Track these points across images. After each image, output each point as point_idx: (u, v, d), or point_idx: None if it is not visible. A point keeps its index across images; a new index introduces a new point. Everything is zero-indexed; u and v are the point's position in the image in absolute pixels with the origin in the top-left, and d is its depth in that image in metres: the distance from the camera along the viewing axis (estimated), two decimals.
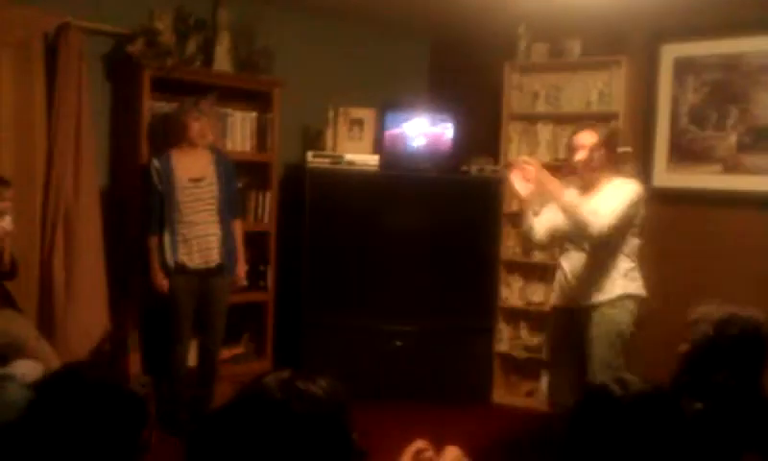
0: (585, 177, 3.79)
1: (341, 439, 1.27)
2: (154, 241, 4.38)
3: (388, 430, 4.63)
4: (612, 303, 3.72)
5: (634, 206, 3.68)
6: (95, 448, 1.59)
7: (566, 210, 3.64)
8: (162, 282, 4.38)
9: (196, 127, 4.40)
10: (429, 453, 3.62)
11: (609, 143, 3.80)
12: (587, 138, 3.77)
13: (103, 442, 1.61)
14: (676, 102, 5.02)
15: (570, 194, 3.76)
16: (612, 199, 3.64)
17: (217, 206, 4.47)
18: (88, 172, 4.44)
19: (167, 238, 4.37)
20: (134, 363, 4.54)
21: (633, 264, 3.76)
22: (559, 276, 3.95)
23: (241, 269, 4.66)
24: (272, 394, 1.25)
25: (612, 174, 3.79)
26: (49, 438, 1.59)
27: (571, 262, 3.83)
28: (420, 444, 3.79)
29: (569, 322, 3.86)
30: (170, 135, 4.51)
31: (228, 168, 4.58)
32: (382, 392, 5.19)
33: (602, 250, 3.70)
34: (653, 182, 4.94)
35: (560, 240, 3.93)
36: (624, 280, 3.73)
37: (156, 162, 4.37)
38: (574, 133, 3.91)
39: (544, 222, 3.87)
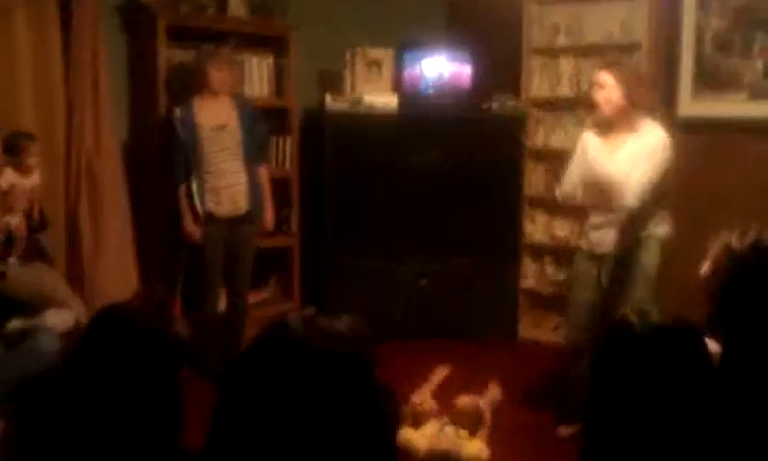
0: (606, 116, 3.73)
1: (364, 376, 1.28)
2: (182, 190, 4.40)
3: (416, 368, 4.72)
4: (639, 244, 3.73)
5: (664, 170, 3.64)
6: (139, 386, 1.64)
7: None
8: (194, 231, 4.41)
9: (217, 75, 4.39)
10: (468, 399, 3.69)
11: (629, 84, 3.69)
12: (606, 78, 3.70)
13: (147, 381, 1.66)
14: (700, 29, 4.90)
15: (593, 142, 3.73)
16: (641, 168, 3.58)
17: (242, 153, 4.47)
18: (108, 124, 4.47)
19: (194, 187, 4.39)
20: (178, 305, 4.63)
21: (663, 210, 3.77)
22: (587, 220, 3.95)
23: (269, 215, 4.69)
24: (294, 331, 1.27)
25: (636, 117, 3.70)
26: (94, 378, 1.64)
27: (599, 209, 3.83)
28: (444, 371, 3.84)
29: (595, 263, 3.87)
30: (190, 84, 4.50)
31: (251, 114, 4.58)
32: (409, 331, 5.26)
33: None
34: (678, 112, 4.86)
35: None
36: (652, 223, 3.74)
37: (177, 112, 4.37)
38: (598, 68, 3.83)
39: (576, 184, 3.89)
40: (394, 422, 1.32)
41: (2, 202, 3.69)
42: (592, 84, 3.80)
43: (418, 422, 3.64)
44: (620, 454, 1.59)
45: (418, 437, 3.53)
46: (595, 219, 3.87)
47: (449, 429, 3.61)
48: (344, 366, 1.25)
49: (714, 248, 2.20)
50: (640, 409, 1.58)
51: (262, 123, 4.72)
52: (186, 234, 4.42)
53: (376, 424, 1.26)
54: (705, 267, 2.24)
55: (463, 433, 3.60)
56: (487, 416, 3.69)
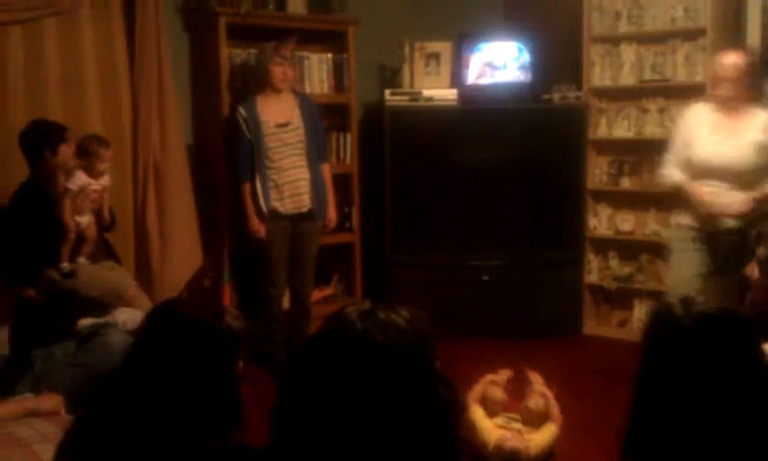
0: (729, 98, 3.81)
1: (423, 368, 1.26)
2: (247, 188, 4.42)
3: (478, 365, 4.66)
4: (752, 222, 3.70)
5: None
6: (195, 381, 1.64)
7: None
8: (259, 228, 4.42)
9: (278, 72, 4.40)
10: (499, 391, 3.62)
11: (752, 71, 3.80)
12: (731, 70, 3.77)
13: (202, 375, 1.66)
14: (766, 11, 4.77)
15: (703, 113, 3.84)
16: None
17: (305, 150, 4.48)
18: (173, 124, 4.51)
19: (259, 185, 4.41)
20: (229, 296, 4.63)
21: None
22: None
23: (332, 213, 4.68)
24: (352, 324, 1.25)
25: (751, 101, 3.81)
26: (151, 374, 1.64)
27: (710, 189, 3.83)
28: (492, 376, 3.77)
29: (711, 242, 3.86)
30: (252, 82, 4.53)
31: (314, 111, 4.59)
32: (471, 328, 5.19)
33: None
34: None
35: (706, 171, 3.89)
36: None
37: (242, 110, 4.39)
38: (718, 58, 3.89)
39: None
40: (455, 412, 1.28)
41: (72, 203, 3.74)
42: (717, 80, 3.83)
43: (491, 412, 3.59)
44: (664, 446, 1.55)
45: (487, 429, 3.48)
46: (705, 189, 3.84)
47: (517, 425, 3.55)
48: (403, 358, 1.24)
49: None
50: (683, 401, 1.54)
51: (322, 120, 4.72)
52: (252, 232, 4.43)
53: (437, 416, 1.25)
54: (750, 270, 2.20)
55: (528, 429, 3.54)
56: (556, 412, 3.61)
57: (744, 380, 1.53)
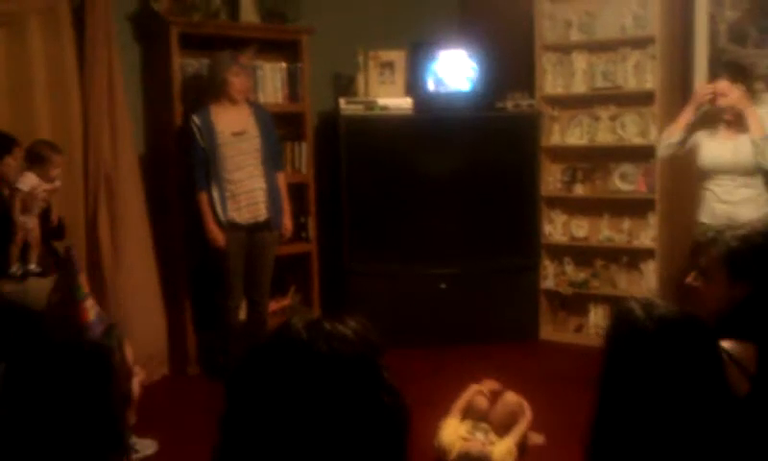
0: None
1: (369, 377, 1.25)
2: (203, 197, 4.38)
3: (437, 371, 4.68)
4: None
5: None
6: (61, 406, 1.53)
7: (757, 145, 4.14)
8: (218, 236, 4.38)
9: (236, 82, 4.38)
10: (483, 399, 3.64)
11: (744, 79, 4.27)
12: (726, 87, 4.21)
13: (68, 399, 1.54)
14: (714, 20, 4.89)
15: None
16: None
17: (261, 159, 4.46)
18: (125, 133, 4.46)
19: (215, 195, 4.37)
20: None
21: None
22: (709, 197, 4.32)
23: (287, 222, 4.66)
24: (297, 334, 1.24)
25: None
26: (19, 404, 1.55)
27: (723, 187, 4.26)
28: (477, 386, 3.77)
29: None
30: (207, 91, 4.49)
31: (268, 121, 4.56)
32: (429, 335, 5.20)
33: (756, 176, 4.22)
34: None
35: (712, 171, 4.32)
36: None
37: (195, 119, 4.35)
38: (712, 82, 4.42)
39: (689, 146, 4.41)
40: (401, 422, 1.28)
41: (21, 203, 3.69)
42: (715, 97, 4.26)
43: (467, 415, 3.60)
44: (627, 450, 1.56)
45: (450, 437, 3.48)
46: (716, 187, 4.30)
47: (480, 433, 3.56)
48: (348, 368, 1.23)
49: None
50: (646, 404, 1.55)
51: (275, 129, 4.69)
52: (211, 240, 4.38)
53: (382, 425, 1.23)
54: (691, 278, 2.23)
55: (493, 436, 3.55)
56: (527, 415, 3.62)
57: (705, 383, 1.54)
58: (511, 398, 3.68)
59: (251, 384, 1.24)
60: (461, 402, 3.66)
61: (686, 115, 4.37)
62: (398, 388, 1.28)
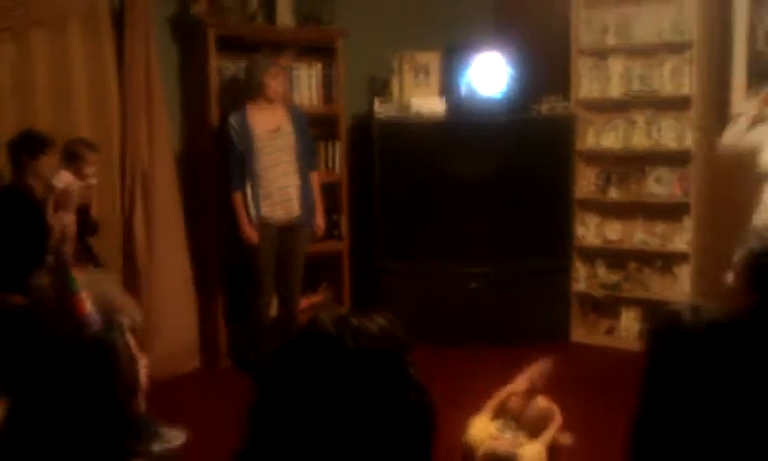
0: None
1: (395, 373, 1.27)
2: (238, 197, 4.46)
3: (466, 370, 4.69)
4: None
5: None
6: (75, 400, 1.52)
7: None
8: (252, 234, 4.46)
9: (273, 85, 4.47)
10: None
11: None
12: None
13: (80, 393, 1.53)
14: (752, 24, 4.82)
15: None
16: None
17: (295, 157, 4.54)
18: (161, 131, 4.58)
19: (249, 192, 4.46)
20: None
21: None
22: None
23: (320, 220, 4.73)
24: (325, 330, 1.27)
25: None
26: (30, 400, 1.54)
27: None
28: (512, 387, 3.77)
29: None
30: (245, 92, 4.57)
31: (302, 120, 4.65)
32: (458, 335, 5.22)
33: None
34: (732, 109, 4.78)
35: None
36: None
37: (232, 120, 4.45)
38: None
39: None
40: (426, 418, 1.30)
41: (57, 201, 3.79)
42: None
43: (499, 415, 3.61)
44: (671, 454, 1.55)
45: (479, 434, 3.49)
46: None
47: (509, 433, 3.56)
48: (374, 363, 1.25)
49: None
50: (693, 409, 1.53)
51: (310, 129, 4.76)
52: (245, 238, 4.46)
53: (408, 421, 1.26)
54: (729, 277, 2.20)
55: (522, 438, 3.54)
56: (558, 419, 3.61)
57: (758, 386, 1.52)
58: (542, 401, 3.67)
59: (280, 379, 1.28)
60: (494, 402, 3.65)
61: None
62: (425, 385, 1.31)
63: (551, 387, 4.16)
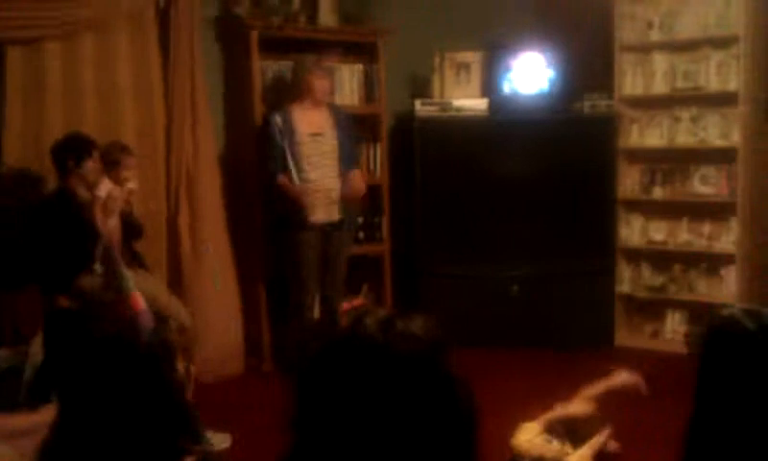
0: None
1: (442, 375, 1.26)
2: (282, 179, 4.41)
3: (508, 375, 4.64)
4: None
5: None
6: (128, 397, 1.56)
7: None
8: (302, 191, 4.39)
9: (320, 86, 4.47)
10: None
11: None
12: None
13: (141, 392, 1.57)
14: None
15: None
16: None
17: (337, 161, 4.53)
18: (206, 132, 4.59)
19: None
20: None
21: None
22: None
23: (359, 182, 4.60)
24: (372, 336, 1.25)
25: None
26: (85, 399, 1.57)
27: None
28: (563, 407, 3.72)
29: None
30: (290, 92, 4.58)
31: (345, 121, 4.63)
32: (500, 339, 5.16)
33: None
34: None
35: None
36: None
37: (277, 118, 4.44)
38: None
39: None
40: (472, 417, 1.28)
41: (102, 209, 3.82)
42: None
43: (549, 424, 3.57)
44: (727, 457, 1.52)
45: (527, 440, 3.46)
46: None
47: (557, 442, 3.52)
48: (423, 367, 1.24)
49: None
50: (751, 414, 1.51)
51: (353, 128, 4.74)
52: (297, 199, 4.40)
53: (455, 421, 1.25)
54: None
55: (569, 448, 3.50)
56: (606, 428, 3.56)
57: None
58: (591, 408, 3.62)
59: (323, 383, 1.26)
60: (549, 414, 3.61)
61: None
62: (468, 384, 1.30)
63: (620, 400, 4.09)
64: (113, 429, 1.52)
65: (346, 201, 4.59)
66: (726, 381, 1.56)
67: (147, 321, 1.69)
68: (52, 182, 3.92)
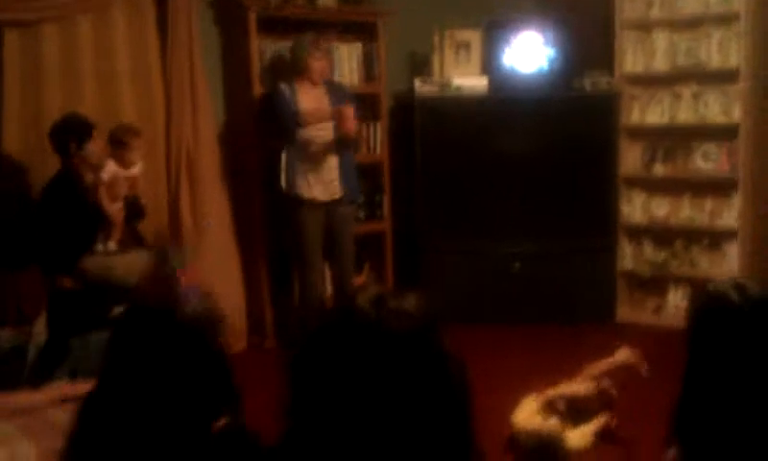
0: None
1: (435, 352, 1.26)
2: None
3: (510, 351, 4.67)
4: None
5: None
6: (173, 369, 1.57)
7: None
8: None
9: (317, 67, 4.48)
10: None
11: None
12: None
13: (178, 361, 1.58)
14: None
15: None
16: None
17: (334, 138, 4.52)
18: (205, 114, 4.60)
19: (284, 160, 4.48)
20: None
21: None
22: None
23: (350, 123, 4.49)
24: (365, 313, 1.25)
25: None
26: (130, 370, 1.58)
27: None
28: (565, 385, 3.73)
29: None
30: (287, 71, 4.58)
31: (343, 99, 4.59)
32: (502, 315, 5.19)
33: None
34: None
35: None
36: None
37: (284, 86, 4.46)
38: None
39: None
40: (465, 389, 1.29)
41: (106, 192, 3.84)
42: None
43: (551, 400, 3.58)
44: (715, 431, 1.54)
45: (526, 415, 3.47)
46: None
47: (556, 417, 3.53)
48: (417, 344, 1.24)
49: None
50: (738, 386, 1.52)
51: (353, 101, 4.71)
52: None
53: (450, 396, 1.25)
54: None
55: (570, 424, 3.51)
56: (612, 408, 3.57)
57: None
58: (592, 388, 3.63)
59: (316, 361, 1.26)
60: (551, 391, 3.62)
61: None
62: (461, 360, 1.30)
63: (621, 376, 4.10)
64: (159, 396, 1.54)
65: (340, 141, 4.55)
66: (712, 355, 1.57)
67: (195, 294, 1.76)
68: (51, 165, 3.90)
